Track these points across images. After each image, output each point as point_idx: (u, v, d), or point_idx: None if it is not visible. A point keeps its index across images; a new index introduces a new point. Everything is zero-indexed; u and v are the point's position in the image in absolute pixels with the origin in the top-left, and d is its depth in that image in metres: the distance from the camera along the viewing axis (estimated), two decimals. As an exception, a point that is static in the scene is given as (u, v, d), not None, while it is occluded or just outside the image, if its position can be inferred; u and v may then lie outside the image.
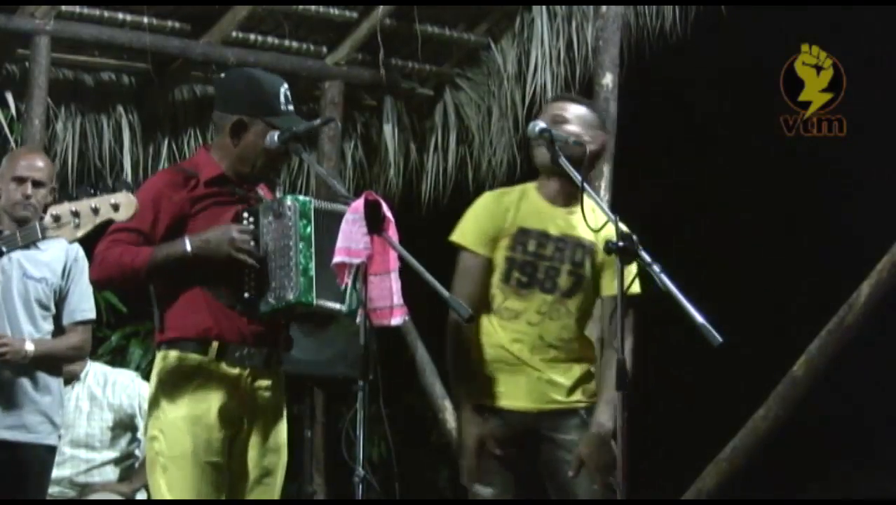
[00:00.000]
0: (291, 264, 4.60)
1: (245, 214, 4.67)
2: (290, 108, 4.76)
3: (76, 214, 4.27)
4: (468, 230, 5.10)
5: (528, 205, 5.11)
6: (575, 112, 5.10)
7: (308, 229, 4.63)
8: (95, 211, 4.29)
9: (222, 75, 4.92)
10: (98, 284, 4.90)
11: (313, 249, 4.62)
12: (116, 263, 4.62)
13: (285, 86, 4.80)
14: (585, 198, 4.83)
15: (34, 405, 5.56)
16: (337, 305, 4.66)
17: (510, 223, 5.08)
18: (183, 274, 4.65)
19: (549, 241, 5.05)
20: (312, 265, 4.61)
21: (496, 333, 5.05)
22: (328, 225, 4.64)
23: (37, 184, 5.58)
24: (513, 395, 5.03)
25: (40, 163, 5.66)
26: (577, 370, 5.06)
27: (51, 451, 5.64)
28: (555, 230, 5.06)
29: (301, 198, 4.68)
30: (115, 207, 4.30)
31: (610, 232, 4.67)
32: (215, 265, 4.63)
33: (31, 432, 5.55)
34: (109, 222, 4.37)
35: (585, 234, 4.99)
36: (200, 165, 4.78)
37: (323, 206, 4.72)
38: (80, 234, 4.30)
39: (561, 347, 5.03)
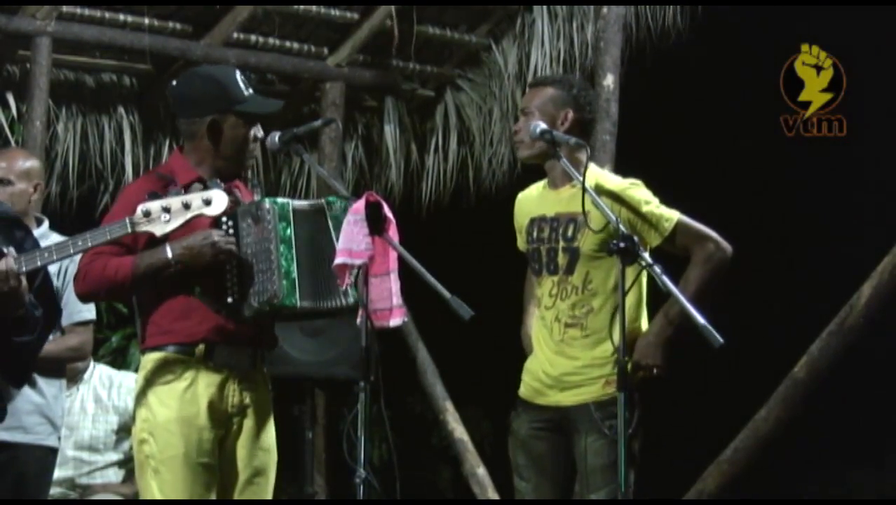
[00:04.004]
0: (273, 267, 4.61)
1: (224, 219, 4.66)
2: (251, 90, 4.80)
3: (167, 210, 4.29)
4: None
5: (537, 195, 5.24)
6: (539, 100, 5.14)
7: (288, 231, 4.64)
8: (187, 206, 4.31)
9: (174, 83, 4.91)
10: (84, 298, 4.89)
11: (294, 251, 4.63)
12: (100, 275, 4.63)
13: (238, 70, 4.85)
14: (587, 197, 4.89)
15: (33, 406, 5.54)
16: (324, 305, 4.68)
17: (524, 216, 5.22)
18: (166, 280, 4.65)
19: (546, 224, 5.14)
20: (294, 267, 4.62)
21: (535, 325, 5.17)
22: (309, 225, 4.68)
23: None
24: (539, 387, 5.09)
25: (1, 162, 5.59)
26: (596, 353, 5.02)
27: (51, 452, 5.62)
28: (551, 211, 5.14)
29: (279, 200, 4.70)
30: (207, 202, 4.32)
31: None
32: (198, 270, 4.63)
33: (30, 434, 5.52)
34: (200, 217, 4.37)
35: (578, 208, 4.97)
36: (177, 171, 4.78)
37: (302, 206, 4.74)
38: (169, 228, 4.32)
39: (576, 324, 5.05)
